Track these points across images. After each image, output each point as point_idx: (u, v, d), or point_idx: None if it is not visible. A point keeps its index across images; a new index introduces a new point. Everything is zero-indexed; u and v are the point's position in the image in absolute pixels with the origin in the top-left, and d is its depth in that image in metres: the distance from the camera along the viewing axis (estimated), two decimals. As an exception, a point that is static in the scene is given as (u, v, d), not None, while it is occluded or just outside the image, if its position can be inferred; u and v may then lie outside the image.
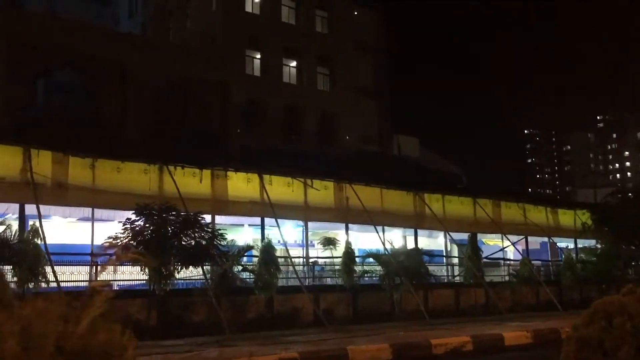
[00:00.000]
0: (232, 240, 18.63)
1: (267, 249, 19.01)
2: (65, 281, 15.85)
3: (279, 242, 23.25)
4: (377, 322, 20.71)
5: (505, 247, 29.20)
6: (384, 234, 23.60)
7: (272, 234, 25.01)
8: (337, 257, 21.73)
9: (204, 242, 15.80)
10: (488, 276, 26.82)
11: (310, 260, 22.37)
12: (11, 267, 14.40)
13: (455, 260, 27.60)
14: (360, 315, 21.89)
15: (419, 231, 26.47)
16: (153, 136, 28.30)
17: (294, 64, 36.53)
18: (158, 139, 27.96)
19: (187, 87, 31.24)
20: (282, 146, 33.52)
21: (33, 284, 14.83)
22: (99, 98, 29.04)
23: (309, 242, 22.93)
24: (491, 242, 30.40)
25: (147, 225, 15.34)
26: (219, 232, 16.39)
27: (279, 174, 21.35)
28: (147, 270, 15.48)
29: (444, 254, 27.05)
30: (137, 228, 15.24)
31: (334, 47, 37.82)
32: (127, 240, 15.01)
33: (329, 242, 21.18)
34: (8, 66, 26.21)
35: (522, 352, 13.44)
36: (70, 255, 16.45)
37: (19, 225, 16.00)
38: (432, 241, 28.42)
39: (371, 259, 21.61)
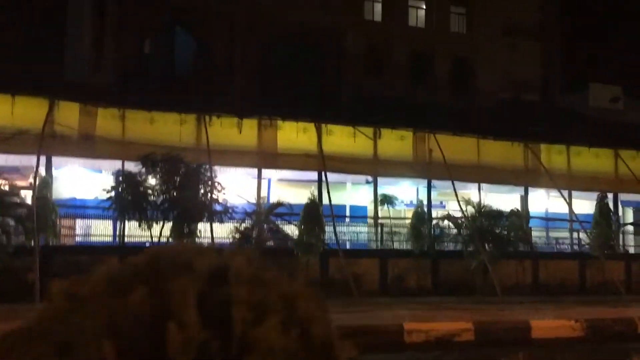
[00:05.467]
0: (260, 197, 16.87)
1: (311, 207, 16.90)
2: (74, 235, 15.55)
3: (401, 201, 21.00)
4: (457, 296, 17.62)
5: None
6: (479, 192, 20.00)
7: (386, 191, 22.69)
8: (406, 219, 18.81)
9: (208, 197, 14.30)
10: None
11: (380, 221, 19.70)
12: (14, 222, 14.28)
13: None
14: (441, 286, 18.84)
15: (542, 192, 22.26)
16: (260, 89, 27.31)
17: (422, 5, 32.77)
18: (264, 92, 26.92)
19: (299, 36, 29.63)
20: (406, 97, 30.40)
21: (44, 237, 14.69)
22: (208, 53, 28.80)
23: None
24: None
25: (144, 178, 14.25)
26: (219, 184, 14.70)
27: (339, 122, 18.89)
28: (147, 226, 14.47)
29: (570, 219, 22.14)
30: (135, 180, 14.23)
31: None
32: (123, 193, 14.10)
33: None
34: (119, 23, 26.96)
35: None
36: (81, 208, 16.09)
37: (46, 179, 15.94)
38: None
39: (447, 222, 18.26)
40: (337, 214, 21.32)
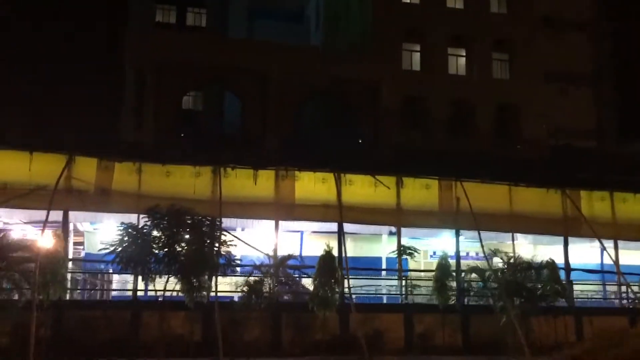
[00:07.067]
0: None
1: (326, 259, 16.25)
2: (82, 289, 15.50)
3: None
4: (488, 355, 16.41)
5: None
6: (512, 242, 18.82)
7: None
8: (431, 271, 17.80)
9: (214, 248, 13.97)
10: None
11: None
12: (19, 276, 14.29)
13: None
14: (472, 344, 17.57)
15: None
16: (290, 145, 27.20)
17: (462, 53, 32.15)
18: (295, 147, 26.78)
19: (334, 89, 29.60)
20: (448, 147, 29.49)
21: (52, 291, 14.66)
22: (243, 110, 29.18)
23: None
24: None
25: (147, 230, 14.10)
26: (223, 235, 14.33)
27: (358, 172, 18.36)
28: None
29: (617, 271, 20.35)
30: (139, 233, 14.10)
31: (516, 28, 32.28)
32: (126, 245, 13.97)
33: (404, 252, 17.41)
34: (158, 86, 27.69)
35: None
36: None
37: (63, 233, 16.08)
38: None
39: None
40: (372, 266, 20.58)
